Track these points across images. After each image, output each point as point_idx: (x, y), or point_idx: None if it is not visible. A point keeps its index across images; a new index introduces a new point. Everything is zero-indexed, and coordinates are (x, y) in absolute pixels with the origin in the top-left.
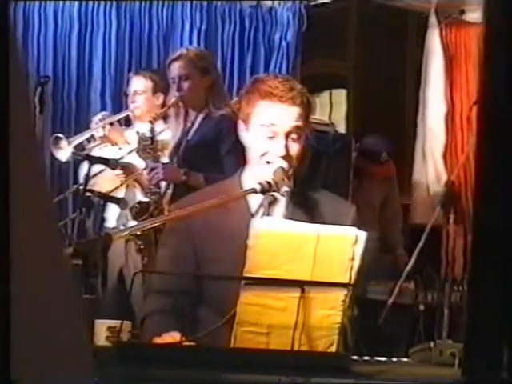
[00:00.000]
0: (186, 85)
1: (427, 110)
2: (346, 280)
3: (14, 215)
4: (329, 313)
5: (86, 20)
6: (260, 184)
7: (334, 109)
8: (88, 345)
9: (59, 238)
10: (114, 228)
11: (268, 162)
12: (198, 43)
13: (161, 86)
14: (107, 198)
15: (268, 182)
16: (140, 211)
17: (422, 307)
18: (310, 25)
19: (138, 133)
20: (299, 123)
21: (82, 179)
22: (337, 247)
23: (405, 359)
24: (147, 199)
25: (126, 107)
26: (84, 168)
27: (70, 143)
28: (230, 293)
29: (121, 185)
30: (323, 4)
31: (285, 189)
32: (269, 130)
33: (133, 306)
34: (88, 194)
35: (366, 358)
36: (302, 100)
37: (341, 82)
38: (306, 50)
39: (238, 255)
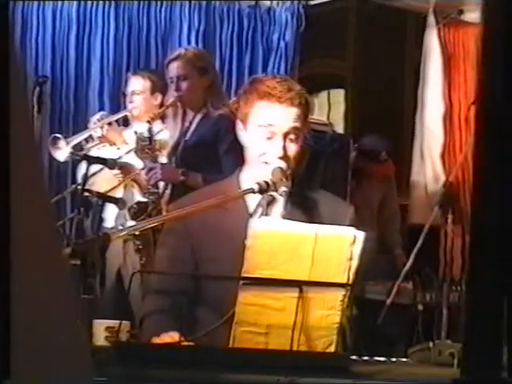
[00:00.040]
0: (184, 85)
1: (425, 109)
2: (344, 280)
3: (14, 215)
4: (327, 313)
5: (84, 20)
6: (258, 184)
7: (332, 109)
8: (87, 345)
9: (58, 238)
10: (112, 228)
11: (266, 163)
12: (197, 43)
13: (159, 86)
14: (105, 198)
15: (266, 182)
16: (138, 211)
17: (420, 307)
18: (309, 25)
19: (136, 133)
20: (297, 124)
21: (80, 179)
22: (335, 247)
23: (404, 359)
24: (145, 199)
25: (124, 107)
26: (82, 168)
27: (68, 143)
28: (229, 293)
29: (119, 184)
30: (322, 4)
31: (283, 189)
32: (267, 130)
33: (131, 305)
34: (86, 193)
35: (365, 358)
36: (301, 101)
37: (339, 81)
38: (304, 50)
39: (236, 255)
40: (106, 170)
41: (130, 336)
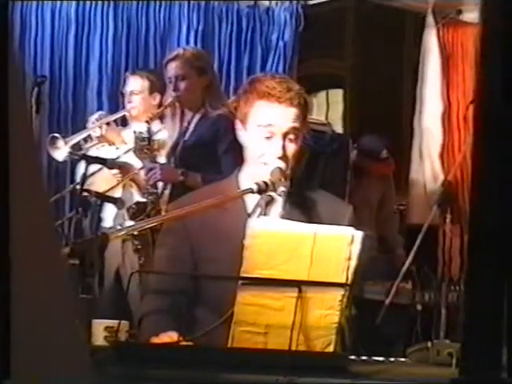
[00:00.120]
0: (182, 85)
1: (424, 109)
2: (342, 280)
3: (13, 215)
4: (326, 312)
5: (83, 20)
6: (257, 184)
7: (330, 109)
8: (85, 344)
9: (57, 238)
10: (110, 228)
11: (265, 163)
12: (195, 43)
13: (157, 85)
14: (104, 197)
15: (265, 182)
16: (137, 211)
17: (419, 307)
18: (307, 25)
19: (134, 133)
20: (296, 124)
21: (78, 179)
22: (334, 247)
23: (402, 359)
24: (144, 199)
25: (123, 107)
26: (81, 168)
27: (66, 143)
28: (227, 293)
29: (117, 184)
30: (320, 4)
31: (282, 189)
32: (266, 130)
33: (130, 305)
34: (85, 193)
35: (364, 357)
36: (300, 101)
37: (338, 81)
38: (303, 50)
39: (234, 255)
40: (105, 169)
41: (129, 336)
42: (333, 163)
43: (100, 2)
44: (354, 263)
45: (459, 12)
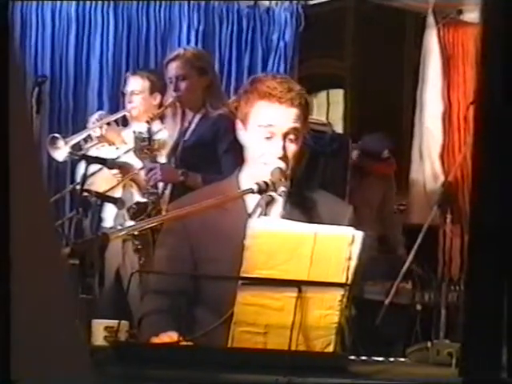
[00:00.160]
0: (183, 85)
1: (424, 109)
2: (342, 280)
3: (14, 215)
4: (326, 313)
5: (83, 20)
6: (257, 184)
7: (331, 109)
8: (85, 344)
9: (57, 238)
10: (111, 228)
11: (265, 163)
12: (196, 43)
13: (158, 86)
14: (104, 197)
15: (265, 182)
16: (138, 211)
17: (419, 307)
18: (308, 25)
19: (134, 133)
20: (297, 124)
21: (78, 179)
22: (334, 247)
23: (402, 359)
24: (145, 200)
25: (123, 107)
26: (81, 168)
27: (66, 143)
28: (227, 293)
29: (118, 184)
30: (321, 4)
31: (282, 189)
32: (266, 130)
33: (130, 305)
34: (85, 193)
35: (364, 357)
36: (301, 101)
37: (338, 81)
38: (303, 50)
39: (235, 255)
40: (105, 169)
41: (129, 336)
42: (333, 163)
43: (100, 2)
44: (354, 263)
45: (460, 12)
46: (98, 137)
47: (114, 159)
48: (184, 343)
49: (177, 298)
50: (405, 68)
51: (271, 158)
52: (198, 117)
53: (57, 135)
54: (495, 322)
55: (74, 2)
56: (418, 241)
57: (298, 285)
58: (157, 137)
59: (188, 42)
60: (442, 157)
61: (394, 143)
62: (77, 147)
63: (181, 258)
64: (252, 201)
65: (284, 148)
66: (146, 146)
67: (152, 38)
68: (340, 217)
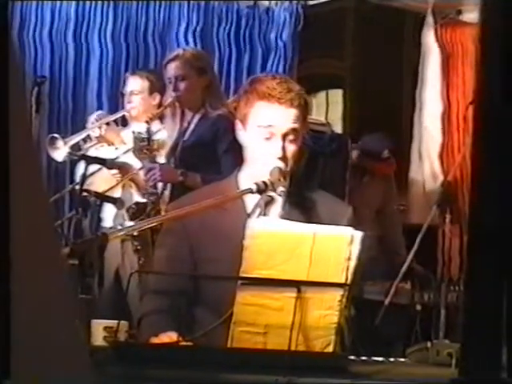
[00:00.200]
0: (182, 85)
1: (424, 109)
2: (342, 280)
3: (13, 215)
4: (325, 313)
5: (82, 20)
6: (256, 184)
7: (330, 109)
8: (85, 345)
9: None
10: (110, 228)
11: (264, 163)
12: (195, 43)
13: (157, 86)
14: (103, 197)
15: (264, 182)
16: (137, 212)
17: (418, 307)
18: (307, 25)
19: (133, 133)
20: (296, 125)
21: (78, 179)
22: (333, 247)
23: (402, 359)
24: (144, 200)
25: (123, 107)
26: (80, 168)
27: (66, 143)
28: (227, 293)
29: (117, 184)
30: (320, 4)
31: (281, 189)
32: (266, 131)
33: (129, 306)
34: (84, 193)
35: (363, 358)
36: (300, 102)
37: (337, 81)
38: (302, 50)
39: (234, 255)
40: (104, 169)
41: (128, 336)
42: (332, 163)
43: (99, 2)
44: (353, 263)
45: (459, 12)
46: (97, 137)
47: (113, 159)
48: (184, 343)
49: (176, 298)
50: (404, 68)
51: (270, 158)
52: (197, 117)
53: (56, 135)
54: (495, 322)
55: (73, 2)
56: (418, 241)
57: (297, 285)
58: (156, 137)
59: (187, 41)
60: (441, 157)
61: (394, 143)
62: (76, 147)
63: (180, 258)
64: (251, 201)
65: (283, 148)
66: (145, 146)
67: (151, 38)
68: (339, 217)
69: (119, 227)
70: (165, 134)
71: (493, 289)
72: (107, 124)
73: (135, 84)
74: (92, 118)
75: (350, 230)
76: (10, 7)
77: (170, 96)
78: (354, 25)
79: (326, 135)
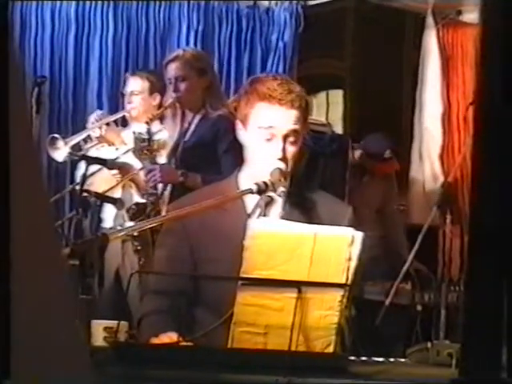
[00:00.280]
0: (182, 86)
1: (424, 110)
2: (342, 280)
3: (14, 215)
4: (326, 313)
5: (82, 20)
6: (256, 184)
7: (330, 109)
8: (85, 345)
9: (57, 239)
10: (110, 228)
11: (265, 164)
12: (195, 43)
13: (157, 86)
14: (104, 198)
15: (265, 183)
16: (137, 212)
17: (419, 308)
18: (307, 25)
19: (134, 133)
20: (297, 126)
21: (78, 179)
22: (333, 248)
23: (402, 359)
24: (144, 200)
25: (123, 108)
26: (81, 168)
27: (66, 143)
28: (227, 293)
29: (117, 185)
30: (320, 4)
31: (281, 189)
32: (267, 132)
33: (130, 306)
34: (85, 194)
35: (364, 358)
36: (301, 103)
37: (338, 82)
38: (302, 51)
39: (234, 256)
40: (105, 170)
41: (129, 336)
42: (332, 164)
43: (100, 2)
44: (353, 264)
45: (459, 13)
46: (97, 137)
47: (113, 160)
48: (184, 344)
49: (176, 299)
50: (404, 68)
51: (271, 159)
52: (197, 117)
53: (56, 136)
54: (495, 323)
55: (73, 3)
56: (418, 241)
57: (297, 285)
58: (156, 137)
59: (187, 42)
60: (441, 157)
61: (395, 143)
62: (76, 148)
63: (180, 258)
64: (251, 201)
65: (284, 150)
66: (145, 146)
67: (151, 39)
68: (339, 217)
69: (119, 228)
70: (165, 134)
71: (493, 289)
72: (107, 124)
73: (135, 84)
74: (92, 118)
75: (350, 231)
76: (10, 7)
77: (170, 97)
78: (354, 25)
79: (327, 135)
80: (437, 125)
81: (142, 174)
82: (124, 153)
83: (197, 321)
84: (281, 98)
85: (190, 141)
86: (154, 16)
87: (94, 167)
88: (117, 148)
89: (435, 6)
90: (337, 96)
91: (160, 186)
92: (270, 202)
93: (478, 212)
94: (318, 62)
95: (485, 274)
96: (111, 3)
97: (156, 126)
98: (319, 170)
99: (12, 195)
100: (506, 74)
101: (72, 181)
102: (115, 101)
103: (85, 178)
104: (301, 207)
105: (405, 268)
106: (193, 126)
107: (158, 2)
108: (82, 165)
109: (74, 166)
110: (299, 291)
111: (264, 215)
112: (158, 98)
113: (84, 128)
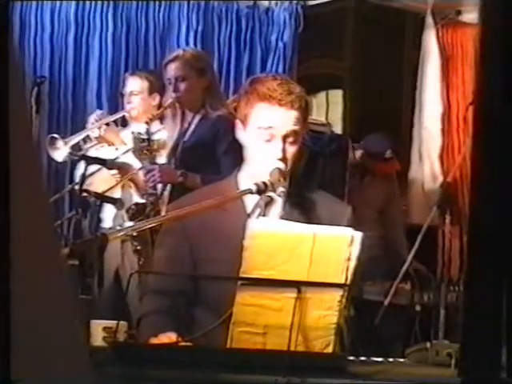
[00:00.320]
0: (182, 86)
1: (424, 110)
2: (342, 280)
3: (14, 215)
4: (325, 313)
5: (82, 20)
6: (256, 185)
7: (330, 109)
8: (84, 345)
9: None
10: (110, 228)
11: (264, 164)
12: (195, 44)
13: (157, 86)
14: (103, 198)
15: (264, 183)
16: (137, 212)
17: (418, 308)
18: (307, 25)
19: (133, 133)
20: (297, 127)
21: (78, 179)
22: (333, 248)
23: (401, 359)
24: (144, 200)
25: (122, 108)
26: (80, 168)
27: (66, 143)
28: (227, 293)
29: (116, 185)
30: (320, 4)
31: (281, 189)
32: (266, 132)
33: (129, 306)
34: (84, 194)
35: (363, 358)
36: (301, 104)
37: (337, 82)
38: (302, 51)
39: (234, 256)
40: (104, 170)
41: (128, 336)
42: (332, 164)
43: (99, 3)
44: (353, 264)
45: (458, 13)
46: (97, 137)
47: (113, 160)
48: (183, 344)
49: (176, 299)
50: (404, 68)
51: (270, 159)
52: (197, 118)
53: (56, 136)
54: (495, 322)
55: (73, 3)
56: (418, 241)
57: (297, 285)
58: (156, 137)
59: (187, 42)
60: (441, 157)
61: (396, 143)
62: (76, 147)
63: (180, 258)
64: (251, 201)
65: (283, 150)
66: (145, 146)
67: (151, 39)
68: (339, 217)
69: (119, 228)
70: (165, 134)
71: (493, 289)
72: (107, 124)
73: (135, 84)
74: (92, 118)
75: (349, 231)
76: (9, 7)
77: (169, 97)
78: (354, 25)
79: (326, 135)
80: (436, 125)
81: (141, 174)
82: (123, 153)
83: (196, 321)
84: (281, 98)
85: (189, 141)
86: (153, 16)
87: (93, 167)
88: (116, 148)
89: (435, 6)
90: (336, 96)
91: (159, 186)
92: (269, 202)
93: (477, 212)
94: (317, 62)
95: (484, 274)
96: (111, 3)
97: (155, 126)
98: (318, 170)
99: (12, 195)
100: (506, 74)
101: (71, 181)
102: (115, 101)
103: (84, 177)
104: (300, 207)
105: (404, 268)
106: (192, 126)
107: (157, 2)
108: (82, 165)
109: (73, 165)
110: (298, 291)
111: (263, 215)
112: (157, 98)
113: (83, 128)
